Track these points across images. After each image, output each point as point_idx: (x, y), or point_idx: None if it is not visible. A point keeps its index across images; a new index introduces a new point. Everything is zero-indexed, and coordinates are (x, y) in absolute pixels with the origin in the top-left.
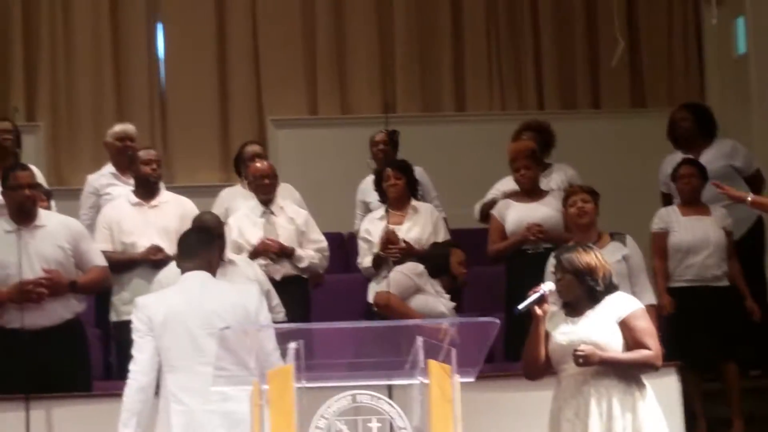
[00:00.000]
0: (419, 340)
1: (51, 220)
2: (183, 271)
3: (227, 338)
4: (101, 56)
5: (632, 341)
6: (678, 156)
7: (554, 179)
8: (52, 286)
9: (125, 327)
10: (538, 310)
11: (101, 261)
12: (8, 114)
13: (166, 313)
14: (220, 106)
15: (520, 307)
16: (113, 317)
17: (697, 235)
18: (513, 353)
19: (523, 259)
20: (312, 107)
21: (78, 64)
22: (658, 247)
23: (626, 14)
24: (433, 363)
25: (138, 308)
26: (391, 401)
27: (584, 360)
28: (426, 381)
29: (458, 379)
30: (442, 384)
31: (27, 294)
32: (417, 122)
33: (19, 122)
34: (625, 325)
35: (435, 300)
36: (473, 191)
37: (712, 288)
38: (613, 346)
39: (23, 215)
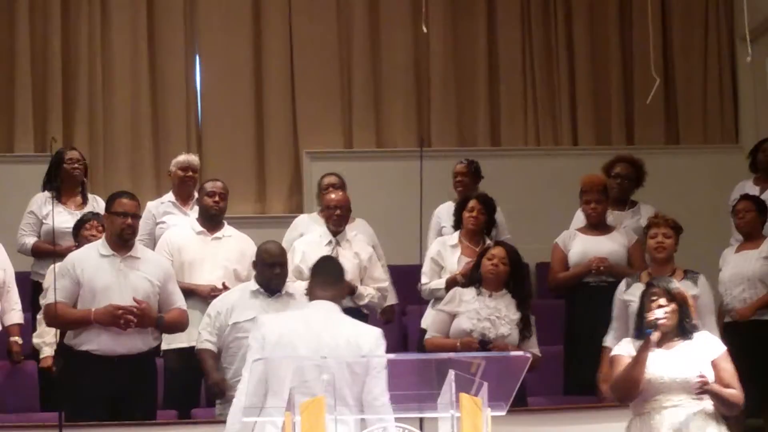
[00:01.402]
0: (451, 374)
1: (146, 254)
2: (313, 298)
3: (329, 369)
4: (139, 88)
5: (720, 382)
6: (747, 185)
7: (643, 219)
8: (141, 317)
9: (174, 355)
10: (654, 335)
11: (183, 304)
12: (46, 145)
13: (280, 335)
14: (255, 138)
15: (651, 330)
16: (163, 345)
17: (736, 270)
18: (574, 386)
19: (585, 291)
20: (347, 141)
21: (116, 95)
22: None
23: (662, 51)
24: (464, 396)
25: (256, 326)
26: None
27: (705, 388)
28: (457, 414)
29: (489, 412)
30: (474, 417)
31: (116, 318)
32: (452, 157)
33: None
34: (716, 366)
35: (460, 320)
36: (508, 225)
37: (755, 322)
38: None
39: (121, 242)
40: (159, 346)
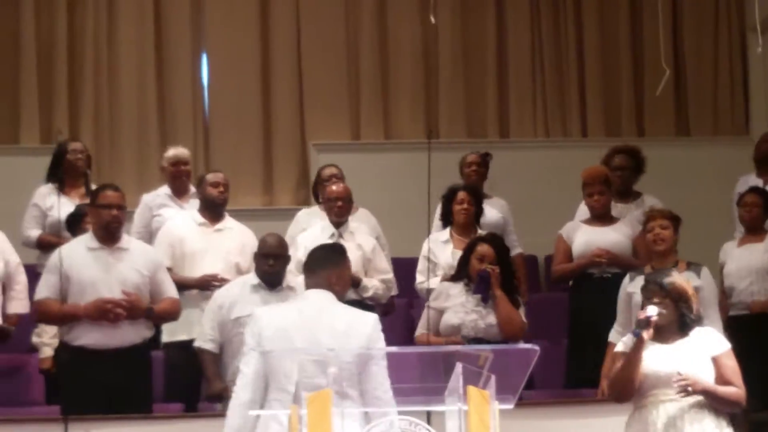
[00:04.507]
0: (459, 367)
1: (134, 245)
2: (306, 288)
3: (331, 363)
4: (145, 81)
5: (721, 379)
6: (750, 178)
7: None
8: (130, 309)
9: (175, 348)
10: (644, 334)
11: (174, 293)
12: (52, 135)
13: (276, 328)
14: (262, 130)
15: (639, 330)
16: (164, 338)
17: (742, 264)
18: (576, 379)
19: (589, 283)
20: (355, 132)
21: (122, 87)
22: (720, 281)
23: (672, 42)
24: (472, 389)
25: (252, 321)
26: (429, 427)
27: (691, 388)
28: (465, 407)
29: (497, 405)
30: (481, 410)
31: (105, 312)
32: (460, 148)
33: None
34: (717, 363)
35: (448, 315)
36: (517, 217)
37: (764, 316)
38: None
39: (108, 235)
40: (155, 337)
